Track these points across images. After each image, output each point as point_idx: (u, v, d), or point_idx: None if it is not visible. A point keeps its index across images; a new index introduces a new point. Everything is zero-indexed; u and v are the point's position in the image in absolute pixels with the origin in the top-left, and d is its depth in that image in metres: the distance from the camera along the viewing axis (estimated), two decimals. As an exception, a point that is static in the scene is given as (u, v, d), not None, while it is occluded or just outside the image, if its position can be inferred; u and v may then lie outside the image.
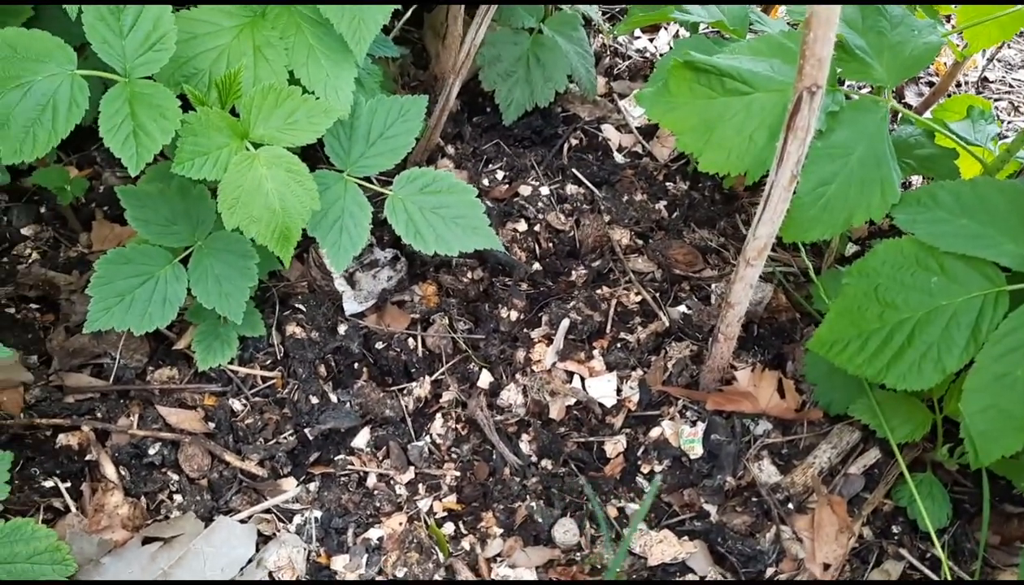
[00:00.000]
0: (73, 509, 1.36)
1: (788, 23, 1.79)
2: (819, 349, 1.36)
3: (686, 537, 1.46)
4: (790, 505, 1.50)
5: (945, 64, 2.33)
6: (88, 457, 1.43)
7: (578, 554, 1.44)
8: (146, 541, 1.33)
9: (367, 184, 1.46)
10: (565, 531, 1.45)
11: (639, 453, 1.56)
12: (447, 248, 1.43)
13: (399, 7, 1.39)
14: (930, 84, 2.31)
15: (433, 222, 1.44)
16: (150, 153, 1.16)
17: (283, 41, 1.35)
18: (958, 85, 2.32)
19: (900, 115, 1.59)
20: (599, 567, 1.41)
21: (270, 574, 1.35)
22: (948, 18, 2.22)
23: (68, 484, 1.40)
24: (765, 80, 1.36)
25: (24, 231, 1.68)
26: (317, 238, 1.39)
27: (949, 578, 1.40)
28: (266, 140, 1.27)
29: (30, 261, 1.62)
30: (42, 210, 1.71)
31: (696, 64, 1.36)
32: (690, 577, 1.43)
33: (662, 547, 1.43)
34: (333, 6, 1.33)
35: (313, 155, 1.61)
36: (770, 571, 1.44)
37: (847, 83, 2.08)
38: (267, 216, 1.24)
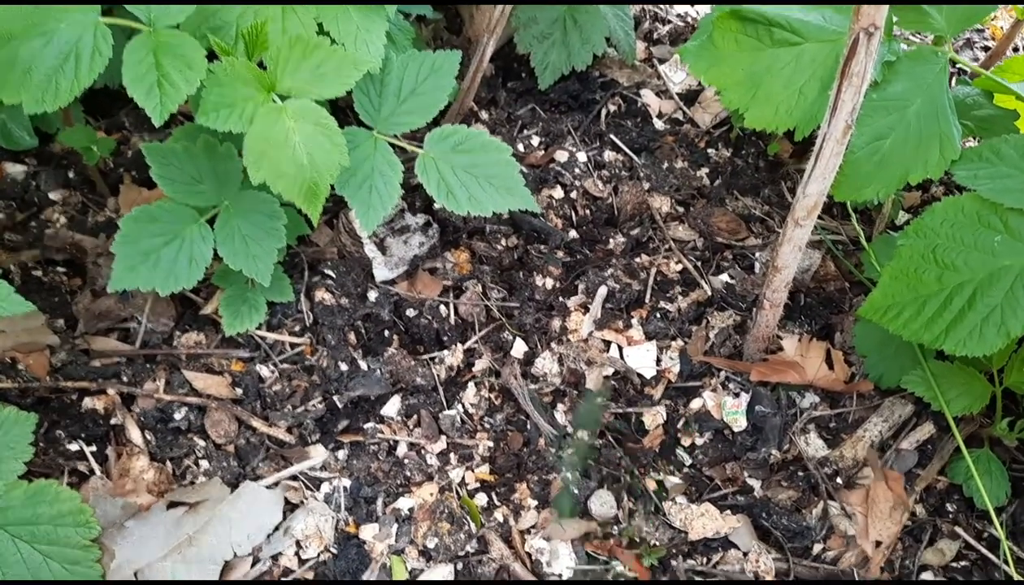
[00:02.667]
0: (98, 472, 1.34)
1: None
2: (872, 315, 1.29)
3: (728, 512, 1.40)
4: (838, 480, 1.43)
5: (1002, 28, 2.23)
6: (113, 421, 1.40)
7: (615, 527, 1.38)
8: (171, 506, 1.30)
9: (398, 143, 1.41)
10: (602, 503, 1.39)
11: (679, 425, 1.50)
12: (480, 208, 1.38)
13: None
14: (985, 48, 2.21)
15: (465, 181, 1.39)
16: (174, 103, 1.12)
17: (312, -7, 1.31)
18: (1015, 49, 2.21)
19: (955, 76, 1.51)
20: (637, 540, 1.36)
21: (297, 542, 1.32)
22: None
23: (93, 448, 1.37)
24: (817, 29, 1.29)
25: (52, 195, 1.65)
26: (346, 197, 1.34)
27: (1009, 558, 1.33)
28: (293, 93, 1.23)
29: (58, 225, 1.60)
30: (70, 174, 1.68)
31: (743, 13, 1.30)
32: (732, 552, 1.37)
33: (703, 521, 1.38)
34: (364, -45, 1.28)
35: (342, 116, 1.56)
36: (817, 547, 1.38)
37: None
38: (294, 171, 1.20)
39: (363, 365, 1.51)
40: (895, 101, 1.27)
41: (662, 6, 2.18)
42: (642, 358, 1.55)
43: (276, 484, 1.36)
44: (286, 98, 1.22)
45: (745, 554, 1.36)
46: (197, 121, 1.15)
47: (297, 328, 1.54)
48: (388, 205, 1.36)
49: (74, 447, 1.36)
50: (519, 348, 1.56)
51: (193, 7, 1.17)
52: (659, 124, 1.94)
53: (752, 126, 1.32)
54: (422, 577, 1.30)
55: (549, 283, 1.63)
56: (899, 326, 1.26)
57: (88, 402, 1.41)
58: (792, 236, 1.31)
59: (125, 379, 1.43)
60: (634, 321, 1.60)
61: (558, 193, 1.74)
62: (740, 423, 1.48)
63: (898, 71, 1.28)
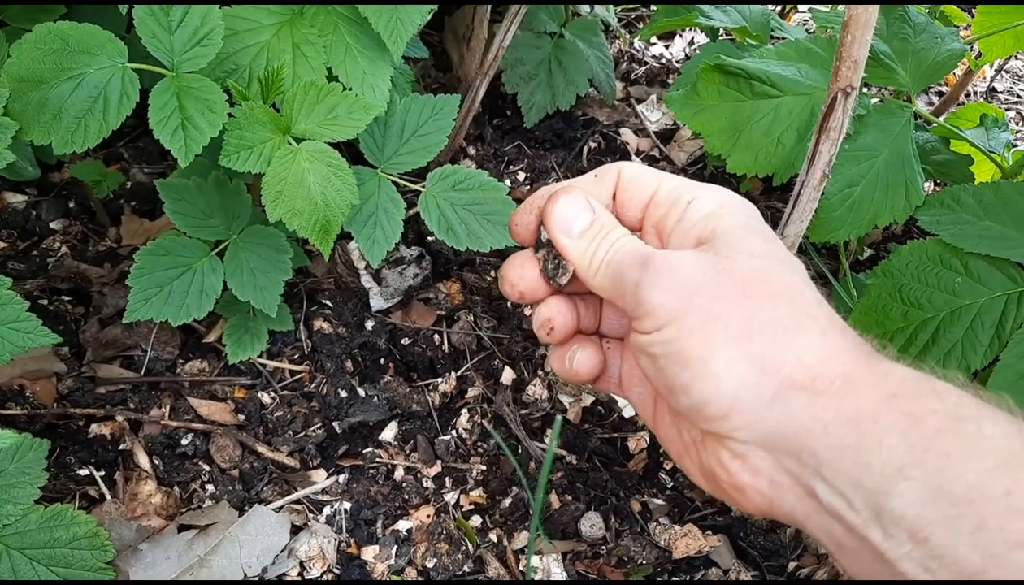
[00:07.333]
0: (109, 496, 1.38)
1: (807, 31, 1.83)
2: (843, 347, 1.38)
3: (709, 531, 1.48)
4: (811, 501, 1.52)
5: (955, 75, 2.38)
6: (121, 447, 1.44)
7: (603, 548, 1.46)
8: (182, 528, 1.35)
9: (399, 181, 1.48)
10: (591, 525, 1.47)
11: (661, 450, 1.58)
12: (479, 244, 1.45)
13: (434, 8, 1.41)
14: (939, 93, 2.36)
15: (465, 219, 1.46)
16: (199, 145, 1.18)
17: (321, 39, 1.38)
18: (967, 95, 2.36)
19: (915, 122, 1.63)
20: (625, 560, 1.44)
21: (301, 563, 1.37)
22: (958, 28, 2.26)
23: (102, 473, 1.41)
24: (793, 84, 1.39)
25: (53, 225, 1.69)
26: (353, 233, 1.41)
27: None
28: (307, 135, 1.29)
29: (60, 254, 1.64)
30: (71, 204, 1.72)
31: (726, 67, 1.40)
32: (713, 570, 1.45)
33: (687, 540, 1.46)
34: (372, 6, 1.35)
35: (343, 154, 1.63)
36: (791, 565, 1.47)
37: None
38: (309, 209, 1.26)
39: (361, 392, 1.58)
40: (865, 151, 1.38)
41: (638, 49, 2.29)
42: (626, 385, 1.64)
43: (280, 508, 1.42)
44: (300, 140, 1.29)
45: (725, 572, 1.45)
46: (220, 162, 1.21)
47: (296, 356, 1.60)
48: (392, 240, 1.43)
49: (84, 472, 1.40)
50: (508, 375, 1.64)
51: (215, 53, 1.23)
52: (637, 161, 2.03)
53: (734, 171, 1.41)
54: (423, 596, 1.37)
55: (537, 313, 1.71)
56: (869, 358, 1.36)
57: (95, 428, 1.45)
58: (770, 274, 1.41)
59: (132, 406, 1.48)
60: (618, 350, 1.69)
61: (544, 227, 1.82)
62: (719, 447, 1.56)
63: (868, 123, 1.39)
